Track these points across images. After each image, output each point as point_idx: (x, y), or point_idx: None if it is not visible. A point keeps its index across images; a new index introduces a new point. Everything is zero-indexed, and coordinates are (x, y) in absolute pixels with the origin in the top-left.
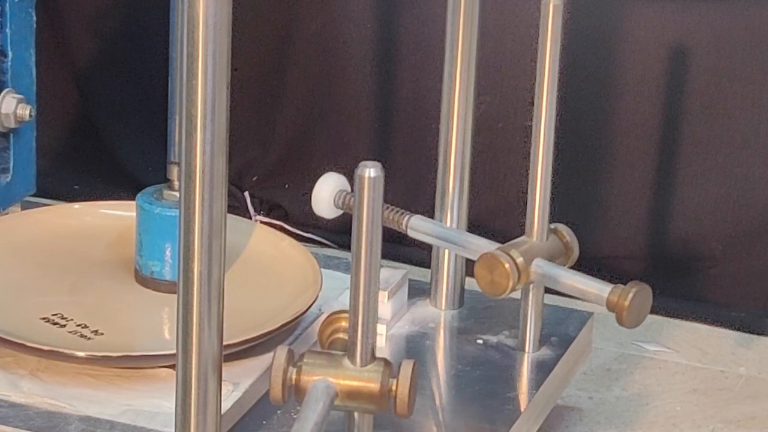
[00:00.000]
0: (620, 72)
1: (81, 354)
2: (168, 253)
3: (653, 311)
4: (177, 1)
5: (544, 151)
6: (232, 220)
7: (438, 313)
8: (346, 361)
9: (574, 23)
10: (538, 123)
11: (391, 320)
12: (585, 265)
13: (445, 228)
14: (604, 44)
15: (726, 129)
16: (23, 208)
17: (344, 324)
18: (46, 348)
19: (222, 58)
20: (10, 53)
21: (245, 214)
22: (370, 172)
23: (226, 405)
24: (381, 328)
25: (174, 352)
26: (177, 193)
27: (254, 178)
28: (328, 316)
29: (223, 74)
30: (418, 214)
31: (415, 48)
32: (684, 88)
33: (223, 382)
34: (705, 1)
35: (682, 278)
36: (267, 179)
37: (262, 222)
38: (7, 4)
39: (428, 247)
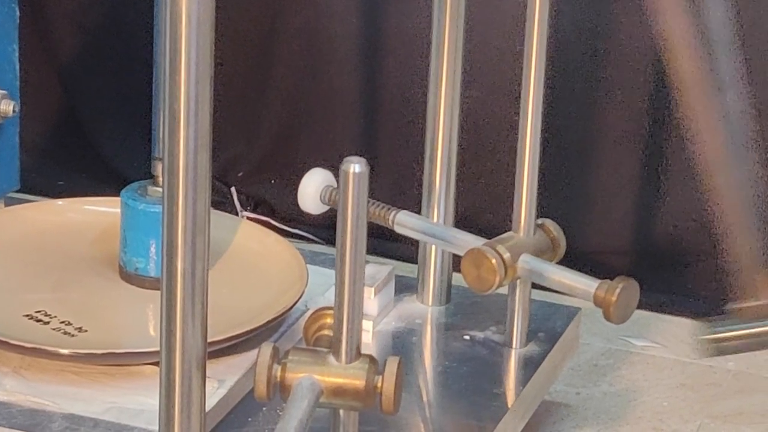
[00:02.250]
0: (607, 66)
1: (64, 351)
2: (152, 249)
3: (640, 306)
4: None
5: (530, 146)
6: (217, 216)
7: (425, 309)
8: (331, 358)
9: (562, 18)
10: (525, 118)
11: (377, 316)
12: (572, 260)
13: (431, 223)
14: (591, 39)
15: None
16: (6, 205)
17: (329, 321)
18: (29, 345)
19: (205, 53)
20: None
21: (232, 209)
22: (355, 167)
23: (210, 402)
24: (367, 325)
25: (158, 349)
26: (161, 189)
27: (240, 174)
28: (314, 313)
29: (206, 70)
30: (405, 209)
31: (401, 43)
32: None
33: (208, 380)
34: None
35: (670, 273)
36: (253, 175)
37: (248, 218)
38: None
39: (415, 243)
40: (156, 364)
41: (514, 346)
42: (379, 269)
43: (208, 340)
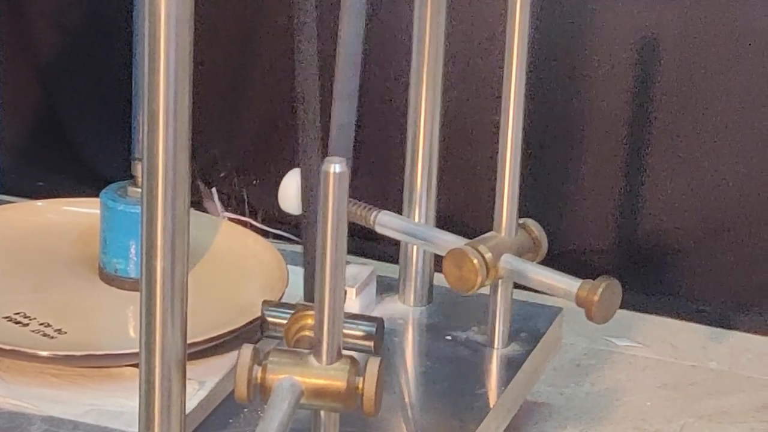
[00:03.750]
0: (590, 65)
1: (44, 353)
2: (132, 250)
3: (623, 306)
4: None
5: (512, 145)
6: (197, 216)
7: (407, 310)
8: (312, 359)
9: (544, 16)
10: (506, 117)
11: None
12: (554, 260)
13: (413, 224)
14: (573, 37)
15: (696, 122)
16: None
17: (310, 321)
18: (8, 347)
19: (184, 53)
20: None
21: (213, 210)
22: (335, 167)
23: (191, 404)
24: None
25: (138, 350)
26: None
27: (221, 174)
28: (294, 314)
29: (185, 70)
30: (387, 209)
31: (382, 42)
32: (654, 82)
33: (188, 381)
34: None
35: (653, 272)
36: (234, 175)
37: (229, 218)
38: None
39: (397, 243)
40: (136, 365)
41: (496, 346)
42: (360, 269)
43: (188, 342)
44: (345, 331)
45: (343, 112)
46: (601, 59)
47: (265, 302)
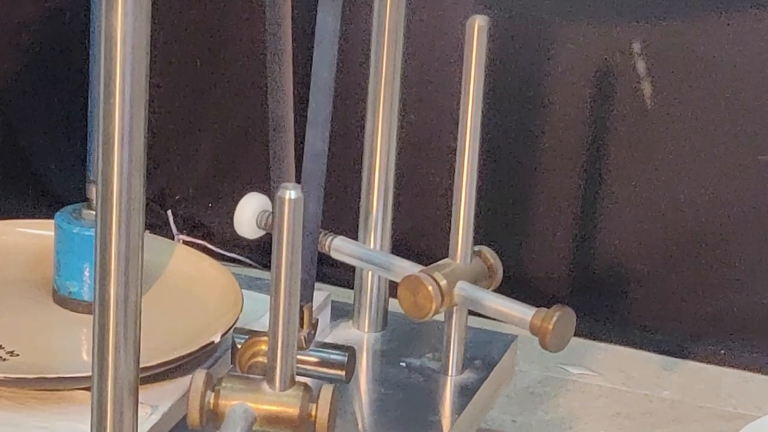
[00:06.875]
0: (547, 93)
1: None
2: (86, 273)
3: (578, 334)
4: (96, 17)
5: (468, 172)
6: (152, 239)
7: (361, 336)
8: (265, 386)
9: (501, 44)
10: (463, 144)
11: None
12: (509, 287)
13: (368, 249)
14: (530, 66)
15: (652, 152)
16: None
17: (264, 347)
18: None
19: (140, 76)
20: None
21: (168, 233)
22: (291, 193)
23: (144, 428)
24: None
25: (91, 374)
26: None
27: (177, 197)
28: (248, 339)
29: (141, 93)
30: (342, 235)
31: (340, 66)
32: (610, 111)
33: (141, 405)
34: (632, 25)
35: (607, 301)
36: (190, 198)
37: (184, 241)
38: None
39: (352, 268)
40: (88, 389)
41: (450, 373)
42: (315, 295)
43: (141, 366)
44: (315, 359)
45: (317, 140)
46: (559, 87)
47: (236, 329)
